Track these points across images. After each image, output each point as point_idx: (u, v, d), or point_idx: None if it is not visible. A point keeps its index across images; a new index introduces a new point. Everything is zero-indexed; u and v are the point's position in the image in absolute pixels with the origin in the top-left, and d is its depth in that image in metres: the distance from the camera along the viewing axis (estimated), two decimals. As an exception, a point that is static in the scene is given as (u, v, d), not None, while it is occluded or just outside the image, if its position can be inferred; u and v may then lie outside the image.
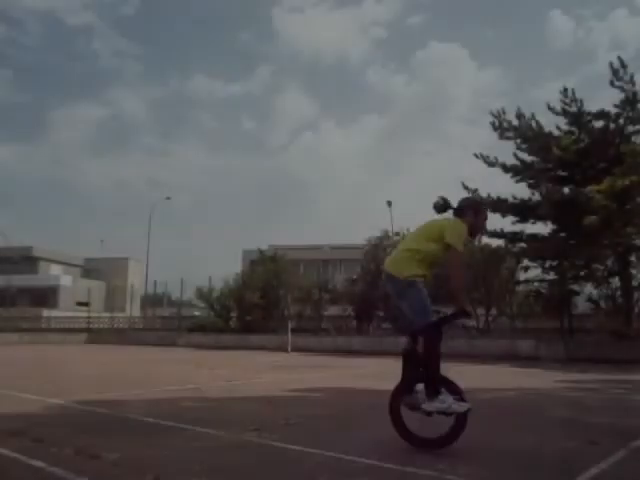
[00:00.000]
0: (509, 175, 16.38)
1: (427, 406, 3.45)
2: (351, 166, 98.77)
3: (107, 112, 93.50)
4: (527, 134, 15.48)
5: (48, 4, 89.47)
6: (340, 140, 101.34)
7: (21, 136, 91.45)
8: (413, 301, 3.54)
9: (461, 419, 3.46)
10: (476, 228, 3.87)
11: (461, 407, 3.39)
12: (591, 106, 15.03)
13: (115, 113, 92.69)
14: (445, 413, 3.43)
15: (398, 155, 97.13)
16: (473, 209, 3.84)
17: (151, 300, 33.73)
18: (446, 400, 3.39)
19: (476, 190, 16.21)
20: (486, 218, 3.98)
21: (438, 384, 3.47)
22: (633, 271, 14.75)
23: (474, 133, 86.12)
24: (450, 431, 3.48)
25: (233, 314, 22.87)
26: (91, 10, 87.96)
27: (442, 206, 3.79)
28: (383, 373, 10.34)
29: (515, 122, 15.64)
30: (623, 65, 13.64)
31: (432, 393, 3.44)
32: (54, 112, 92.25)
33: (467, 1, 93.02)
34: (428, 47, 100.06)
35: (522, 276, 17.44)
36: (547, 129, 15.62)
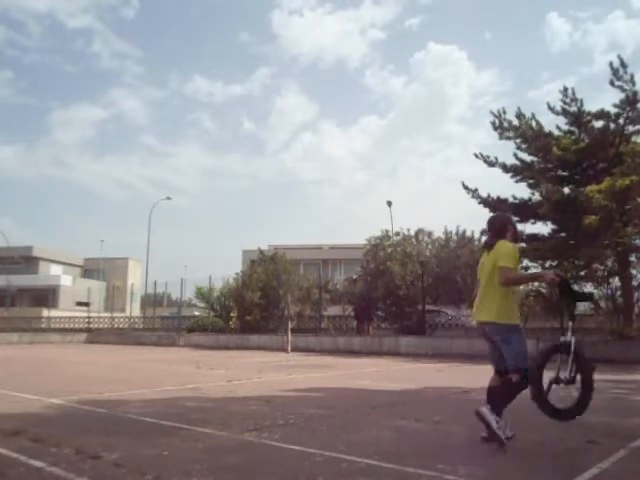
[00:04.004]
0: (509, 175, 16.37)
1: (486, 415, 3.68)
2: (351, 166, 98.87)
3: (107, 113, 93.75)
4: (527, 134, 15.44)
5: (49, 6, 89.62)
6: (340, 141, 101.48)
7: (22, 136, 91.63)
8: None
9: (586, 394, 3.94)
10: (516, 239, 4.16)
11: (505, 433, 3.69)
12: (587, 108, 15.00)
13: (115, 114, 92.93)
14: (490, 432, 3.64)
15: (398, 155, 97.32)
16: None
17: (151, 300, 33.73)
18: (501, 426, 3.65)
19: (476, 190, 16.22)
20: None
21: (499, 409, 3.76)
22: (633, 271, 14.71)
23: (473, 133, 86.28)
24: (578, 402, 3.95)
25: (233, 314, 22.85)
26: (91, 12, 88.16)
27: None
28: (382, 373, 10.33)
29: (515, 122, 15.60)
30: (623, 65, 13.57)
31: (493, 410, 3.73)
32: (54, 113, 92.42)
33: (465, 3, 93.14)
34: (427, 49, 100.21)
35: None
36: (547, 129, 15.60)
